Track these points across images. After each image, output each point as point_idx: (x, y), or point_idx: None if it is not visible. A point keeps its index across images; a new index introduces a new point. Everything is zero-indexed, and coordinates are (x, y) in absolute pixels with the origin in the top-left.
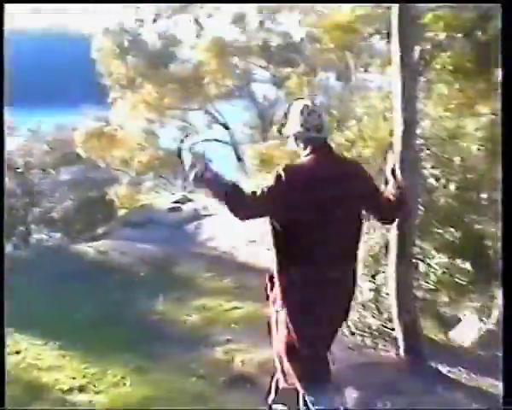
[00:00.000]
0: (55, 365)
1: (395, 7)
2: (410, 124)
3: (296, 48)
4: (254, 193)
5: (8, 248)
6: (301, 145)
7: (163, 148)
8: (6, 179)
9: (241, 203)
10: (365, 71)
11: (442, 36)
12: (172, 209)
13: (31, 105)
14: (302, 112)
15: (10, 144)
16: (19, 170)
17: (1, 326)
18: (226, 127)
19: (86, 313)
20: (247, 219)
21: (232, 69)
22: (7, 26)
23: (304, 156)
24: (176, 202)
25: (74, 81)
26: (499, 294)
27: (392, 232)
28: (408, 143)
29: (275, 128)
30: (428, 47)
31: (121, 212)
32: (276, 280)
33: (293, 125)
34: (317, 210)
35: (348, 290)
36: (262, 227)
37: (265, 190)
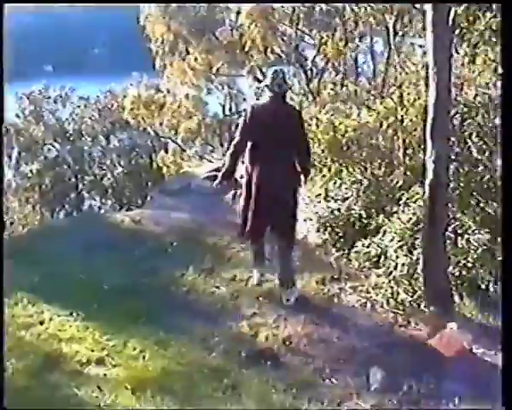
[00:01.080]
0: (76, 336)
1: None
2: (442, 90)
3: (338, 12)
4: (237, 139)
5: (60, 215)
6: (268, 93)
7: (210, 115)
8: (57, 146)
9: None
10: (412, 35)
11: None
12: (207, 178)
13: (80, 73)
14: (272, 73)
15: (62, 113)
16: (70, 138)
17: (0, 327)
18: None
19: (114, 283)
20: (241, 149)
21: (278, 35)
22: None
23: (267, 98)
24: (213, 170)
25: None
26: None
27: (425, 205)
28: (441, 110)
29: (324, 92)
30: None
31: (169, 179)
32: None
33: (267, 80)
34: (268, 130)
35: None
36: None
37: (241, 127)
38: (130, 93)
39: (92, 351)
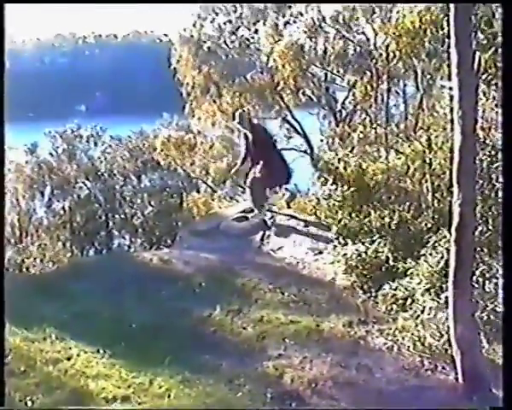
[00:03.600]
0: (103, 373)
1: (452, 11)
2: (467, 134)
3: (369, 55)
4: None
5: (90, 252)
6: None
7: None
8: (89, 185)
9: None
10: (441, 78)
11: None
12: (237, 219)
13: (113, 113)
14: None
15: (94, 152)
16: (102, 177)
17: (1, 328)
18: (304, 136)
19: (141, 321)
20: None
21: (309, 77)
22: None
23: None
24: (242, 212)
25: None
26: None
27: (452, 248)
28: (467, 154)
29: (353, 135)
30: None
31: (197, 219)
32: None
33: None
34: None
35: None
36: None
37: (243, 146)
38: (161, 134)
39: (118, 388)
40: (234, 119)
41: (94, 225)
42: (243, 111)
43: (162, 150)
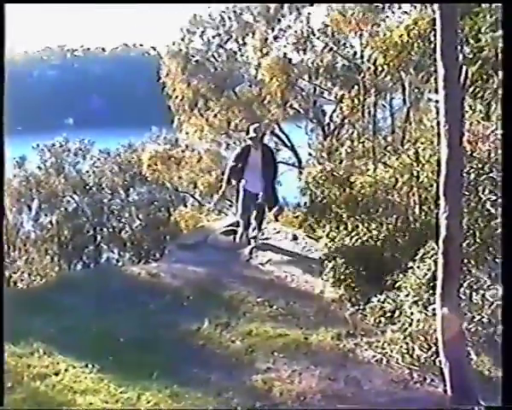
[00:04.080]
0: (91, 388)
1: (438, 25)
2: (454, 147)
3: (357, 69)
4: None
5: (78, 266)
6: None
7: None
8: (77, 198)
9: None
10: (429, 91)
11: (500, 55)
12: (225, 232)
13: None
14: (252, 128)
15: (83, 165)
16: (90, 190)
17: (0, 329)
18: (292, 149)
19: (129, 336)
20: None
21: (297, 90)
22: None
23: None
24: (230, 225)
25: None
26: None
27: (439, 260)
28: (453, 167)
29: (341, 150)
30: (484, 66)
31: (185, 233)
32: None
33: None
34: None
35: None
36: (316, 254)
37: (232, 163)
38: (148, 148)
39: (106, 403)
40: (248, 132)
41: (82, 238)
42: (259, 126)
43: (149, 165)
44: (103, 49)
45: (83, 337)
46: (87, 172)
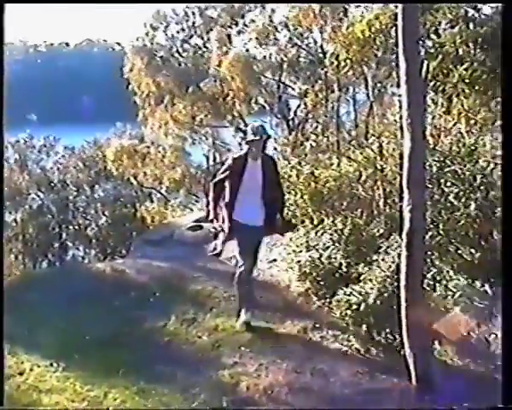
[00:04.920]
0: (56, 387)
1: (399, 20)
2: (416, 141)
3: (320, 63)
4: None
5: (43, 264)
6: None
7: (194, 165)
8: (41, 195)
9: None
10: (391, 86)
11: (460, 50)
12: (191, 228)
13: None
14: (251, 128)
15: (47, 162)
16: (55, 187)
17: (0, 329)
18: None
19: (95, 333)
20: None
21: (261, 85)
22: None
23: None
24: (196, 221)
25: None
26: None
27: (403, 252)
28: (416, 160)
29: (306, 144)
30: (445, 61)
31: (151, 229)
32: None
33: (249, 134)
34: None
35: None
36: (282, 248)
37: (218, 178)
38: (113, 143)
39: (73, 402)
40: (245, 134)
41: (47, 236)
42: (261, 126)
43: (114, 160)
44: (67, 45)
45: (47, 336)
46: (51, 168)
